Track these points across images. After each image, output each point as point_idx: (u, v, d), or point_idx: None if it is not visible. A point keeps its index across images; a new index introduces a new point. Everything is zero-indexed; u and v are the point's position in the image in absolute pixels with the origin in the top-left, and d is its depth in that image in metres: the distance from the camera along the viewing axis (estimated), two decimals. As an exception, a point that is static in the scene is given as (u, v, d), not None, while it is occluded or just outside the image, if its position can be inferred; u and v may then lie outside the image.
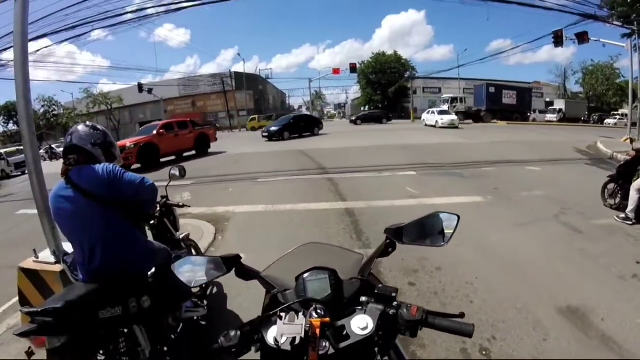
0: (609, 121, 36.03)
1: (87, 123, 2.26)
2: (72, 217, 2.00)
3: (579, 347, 2.65)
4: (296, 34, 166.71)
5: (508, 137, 18.07)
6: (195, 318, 2.88)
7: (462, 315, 0.97)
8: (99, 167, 2.02)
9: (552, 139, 17.66)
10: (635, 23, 22.53)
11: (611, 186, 5.92)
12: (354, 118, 39.58)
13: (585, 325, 2.87)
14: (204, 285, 3.45)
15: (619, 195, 5.72)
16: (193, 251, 3.47)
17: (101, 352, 1.98)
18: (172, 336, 2.46)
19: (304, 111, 61.55)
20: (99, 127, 2.25)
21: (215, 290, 3.63)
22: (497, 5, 40.75)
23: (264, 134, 22.74)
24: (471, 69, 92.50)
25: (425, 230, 1.19)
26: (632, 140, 6.77)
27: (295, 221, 5.79)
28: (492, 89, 36.09)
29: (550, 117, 38.30)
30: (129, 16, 17.91)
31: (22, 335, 1.74)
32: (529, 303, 3.17)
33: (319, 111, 68.81)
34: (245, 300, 3.37)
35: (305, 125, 24.33)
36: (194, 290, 2.94)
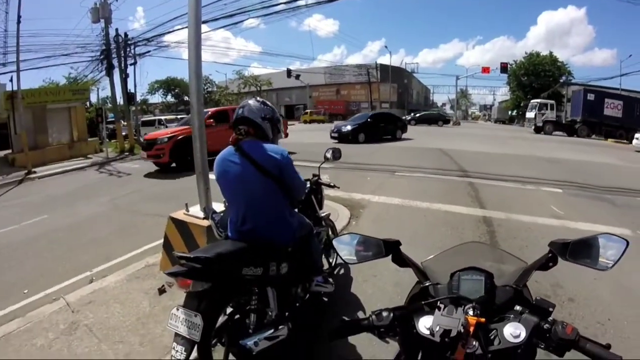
0: None
1: (258, 98, 2.45)
2: (236, 180, 2.21)
3: None
4: (445, 29, 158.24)
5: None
6: (322, 293, 2.99)
7: (609, 346, 0.92)
8: (276, 148, 2.27)
9: None
10: None
11: None
12: (408, 118, 35.97)
13: None
14: (332, 264, 3.66)
15: None
16: (330, 230, 3.60)
17: (231, 304, 2.17)
18: (297, 304, 2.63)
19: (448, 110, 58.51)
20: (268, 103, 2.44)
21: (342, 271, 3.80)
22: None
23: (333, 134, 18.31)
24: (637, 79, 75.12)
25: (590, 251, 1.14)
26: None
27: (429, 220, 5.84)
28: (590, 96, 29.65)
29: None
30: (282, 7, 19.28)
31: (172, 274, 1.93)
32: None
33: (463, 111, 64.86)
34: (370, 287, 3.56)
35: (385, 126, 19.61)
36: (325, 267, 3.15)
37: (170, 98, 58.28)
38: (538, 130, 29.64)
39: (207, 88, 53.09)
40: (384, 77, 46.72)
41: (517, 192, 8.14)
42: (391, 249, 1.26)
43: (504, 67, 35.72)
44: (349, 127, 18.10)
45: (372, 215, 6.05)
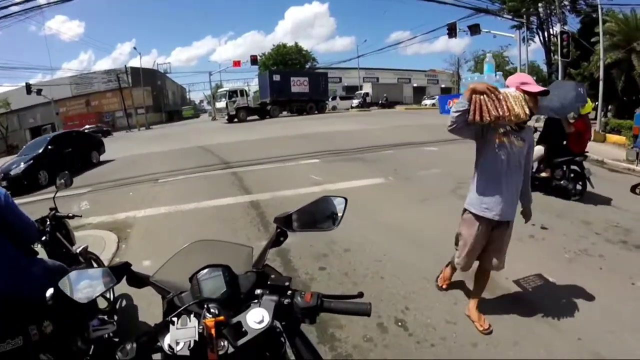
0: (426, 102, 42.55)
1: None
2: None
3: (488, 307, 2.90)
4: (197, 26, 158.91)
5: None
6: (106, 336, 2.69)
7: (360, 295, 0.96)
8: None
9: (444, 121, 19.32)
10: (524, 16, 25.57)
11: None
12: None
13: (492, 285, 3.13)
14: (111, 300, 3.28)
15: None
16: (94, 264, 3.27)
17: None
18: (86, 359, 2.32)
19: (206, 106, 58.99)
20: None
21: (125, 303, 3.46)
22: None
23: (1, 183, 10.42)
24: (371, 59, 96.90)
25: (315, 216, 1.19)
26: None
27: (200, 220, 5.70)
28: (276, 77, 32.46)
29: (355, 103, 41.69)
30: (15, 8, 15.53)
31: None
32: (436, 272, 3.37)
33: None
34: (158, 308, 3.25)
35: (74, 152, 12.91)
36: (102, 306, 2.85)
37: None
38: (231, 118, 29.50)
39: None
40: (136, 81, 42.84)
41: (279, 170, 8.78)
42: (122, 272, 1.14)
43: (253, 60, 38.12)
44: (22, 166, 10.83)
45: (141, 232, 5.50)
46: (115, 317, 2.88)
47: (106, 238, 5.29)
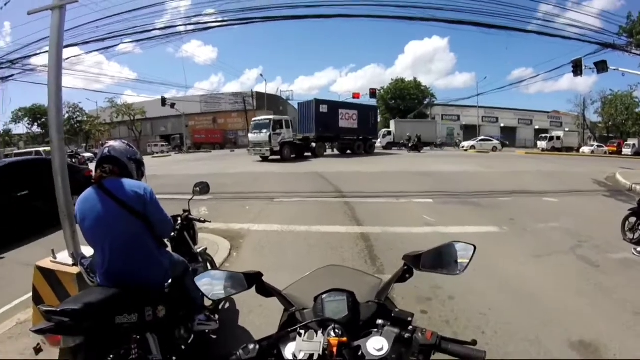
0: (585, 149, 37.33)
1: (123, 140, 2.43)
2: (99, 221, 2.07)
3: None
4: (320, 57, 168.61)
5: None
6: (207, 331, 2.91)
7: (474, 342, 0.98)
8: (138, 183, 2.19)
9: (569, 169, 17.47)
10: None
11: (632, 220, 5.80)
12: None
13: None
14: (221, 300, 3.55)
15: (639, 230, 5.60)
16: (209, 265, 3.51)
17: (111, 356, 1.97)
18: (183, 347, 2.50)
19: None
20: (132, 145, 2.42)
21: (227, 305, 3.66)
22: (517, 35, 40.01)
23: None
24: (491, 98, 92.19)
25: (442, 259, 1.20)
26: None
27: (310, 243, 5.80)
28: (324, 108, 26.39)
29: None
30: (157, 32, 18.42)
31: (39, 332, 1.75)
32: (541, 335, 3.14)
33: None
34: (258, 318, 3.42)
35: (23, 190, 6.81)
36: (207, 304, 2.99)
37: (36, 128, 52.89)
38: (271, 154, 22.32)
39: (76, 117, 49.33)
40: (260, 105, 46.98)
41: (391, 206, 8.66)
42: (253, 280, 1.23)
43: (372, 93, 39.00)
44: None
45: (253, 244, 5.83)
46: (217, 317, 3.05)
47: (220, 244, 5.69)
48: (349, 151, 28.44)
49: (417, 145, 32.16)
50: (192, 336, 2.63)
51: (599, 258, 5.06)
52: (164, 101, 37.65)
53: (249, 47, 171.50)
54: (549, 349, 2.98)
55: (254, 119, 25.01)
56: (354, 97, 41.08)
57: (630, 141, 38.22)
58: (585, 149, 37.75)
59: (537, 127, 53.32)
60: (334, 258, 5.03)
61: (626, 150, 36.67)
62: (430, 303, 3.76)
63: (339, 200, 9.31)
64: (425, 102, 52.12)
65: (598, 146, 38.48)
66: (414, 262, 1.21)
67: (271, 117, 23.88)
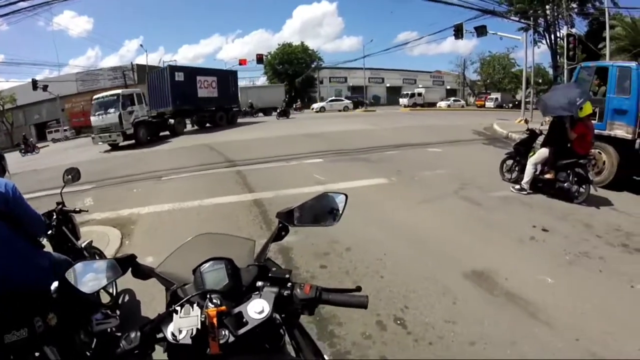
0: (442, 104, 42.83)
1: None
2: None
3: (486, 307, 2.94)
4: (205, 24, 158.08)
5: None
6: (109, 330, 2.68)
7: (358, 289, 0.99)
8: None
9: (450, 123, 19.34)
10: (532, 18, 25.49)
11: (509, 162, 6.73)
12: None
13: (491, 286, 3.20)
14: (113, 294, 3.31)
15: (516, 170, 6.53)
16: (98, 259, 3.14)
17: None
18: (88, 353, 2.31)
19: None
20: None
21: (127, 297, 3.49)
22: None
23: None
24: (377, 59, 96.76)
25: (316, 212, 1.21)
26: (527, 121, 7.53)
27: (203, 217, 5.71)
28: (179, 76, 21.47)
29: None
30: (24, 4, 15.59)
31: None
32: (436, 272, 3.43)
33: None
34: (160, 304, 3.26)
35: None
36: (105, 300, 2.87)
37: None
38: (123, 138, 17.71)
39: None
40: (142, 78, 42.38)
41: (282, 169, 8.79)
42: (127, 264, 1.15)
43: (259, 58, 38.05)
44: None
45: (145, 228, 5.54)
46: (118, 312, 2.89)
47: (110, 234, 5.34)
48: (208, 124, 24.32)
49: (286, 111, 30.66)
50: (95, 339, 2.43)
51: (482, 197, 5.78)
52: (35, 84, 32.63)
53: (128, 15, 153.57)
54: (445, 283, 3.29)
55: (95, 96, 19.31)
56: (240, 64, 39.69)
57: (493, 95, 43.71)
58: (441, 104, 42.82)
59: (420, 85, 57.81)
60: (228, 228, 4.98)
61: (489, 104, 41.66)
62: (328, 257, 3.93)
63: (229, 170, 9.20)
64: (313, 66, 52.82)
65: (454, 100, 44.19)
66: (288, 219, 1.21)
67: (119, 91, 19.08)
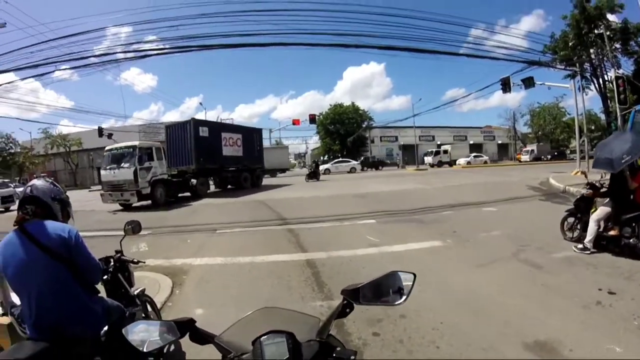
0: (461, 160, 40.97)
1: (47, 178, 2.28)
2: (22, 269, 1.93)
3: None
4: (260, 84, 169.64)
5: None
6: None
7: None
8: (62, 226, 2.06)
9: (505, 179, 18.70)
10: (577, 64, 24.98)
11: (570, 220, 6.23)
12: None
13: (555, 358, 2.93)
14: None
15: (578, 228, 6.02)
16: (148, 307, 3.37)
17: None
18: None
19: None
20: (57, 184, 2.28)
21: (173, 348, 3.45)
22: (449, 58, 42.72)
23: None
24: (427, 118, 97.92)
25: (382, 290, 1.19)
26: (585, 174, 6.86)
27: (255, 274, 5.62)
28: (204, 131, 19.00)
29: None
30: (94, 59, 17.62)
31: None
32: (495, 342, 3.20)
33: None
34: (205, 356, 3.21)
35: None
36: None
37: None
38: (140, 198, 14.98)
39: (8, 149, 44.93)
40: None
41: (335, 230, 8.67)
42: (186, 328, 1.16)
43: (312, 118, 39.98)
44: None
45: (196, 279, 5.55)
46: None
47: (161, 282, 5.39)
48: (230, 186, 22.21)
49: (316, 172, 27.70)
50: None
51: (542, 259, 5.35)
52: (100, 131, 35.96)
53: (189, 75, 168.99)
54: (505, 354, 3.04)
55: (107, 147, 16.68)
56: (293, 124, 41.67)
57: (529, 147, 41.63)
58: (461, 161, 40.84)
59: (471, 142, 57.02)
60: (280, 287, 4.91)
61: (524, 157, 39.70)
62: (381, 324, 3.73)
63: (282, 228, 9.20)
64: (364, 126, 53.96)
65: (475, 156, 42.26)
66: (353, 296, 1.19)
67: (135, 143, 16.23)
